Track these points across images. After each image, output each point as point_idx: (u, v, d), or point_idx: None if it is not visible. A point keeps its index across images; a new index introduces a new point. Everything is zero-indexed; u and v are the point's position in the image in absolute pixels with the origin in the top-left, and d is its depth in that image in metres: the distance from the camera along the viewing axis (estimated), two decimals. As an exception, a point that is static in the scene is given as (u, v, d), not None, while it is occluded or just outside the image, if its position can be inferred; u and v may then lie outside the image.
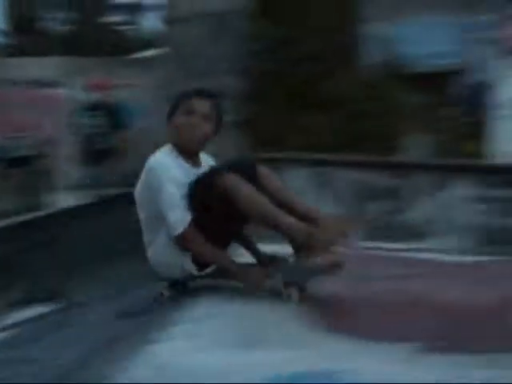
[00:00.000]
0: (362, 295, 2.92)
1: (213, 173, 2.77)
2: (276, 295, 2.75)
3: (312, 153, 7.01)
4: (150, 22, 17.44)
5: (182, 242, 2.75)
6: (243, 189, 2.70)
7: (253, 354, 2.21)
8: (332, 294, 2.92)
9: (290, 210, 2.80)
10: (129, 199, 5.48)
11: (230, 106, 8.13)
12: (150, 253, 2.88)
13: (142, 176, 2.84)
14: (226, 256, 2.82)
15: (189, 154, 2.90)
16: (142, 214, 2.90)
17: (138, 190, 2.88)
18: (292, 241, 2.76)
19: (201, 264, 2.83)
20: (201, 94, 2.91)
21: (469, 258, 3.92)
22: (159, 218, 2.78)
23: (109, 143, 8.33)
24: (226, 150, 7.78)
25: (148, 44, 14.99)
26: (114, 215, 5.68)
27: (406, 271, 3.34)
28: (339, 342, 2.36)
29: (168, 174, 2.75)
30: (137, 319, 2.67)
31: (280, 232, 2.74)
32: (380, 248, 4.17)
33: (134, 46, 15.37)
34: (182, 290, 2.94)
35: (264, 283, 2.76)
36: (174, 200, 2.74)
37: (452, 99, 8.34)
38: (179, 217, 2.72)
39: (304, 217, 2.80)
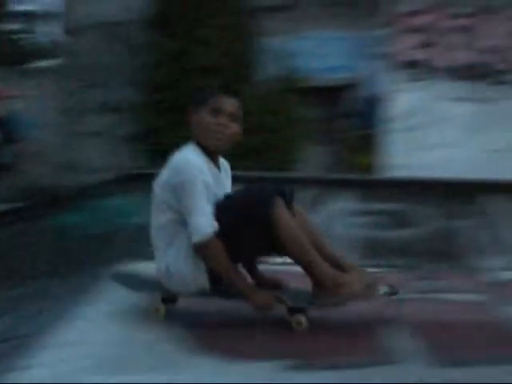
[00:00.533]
0: (232, 313, 2.93)
1: (262, 195, 2.68)
2: (284, 320, 2.74)
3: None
4: (48, 32, 17.02)
5: (204, 247, 2.63)
6: (289, 224, 2.66)
7: (122, 377, 2.18)
8: (203, 313, 2.92)
9: (319, 251, 2.76)
10: (20, 215, 5.30)
11: (126, 118, 8.05)
12: (163, 261, 2.75)
13: (167, 175, 2.71)
14: (241, 275, 2.75)
15: (213, 154, 2.81)
16: (159, 217, 2.76)
17: (160, 191, 2.74)
18: (316, 281, 2.73)
19: (214, 278, 2.73)
20: (227, 91, 2.82)
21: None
22: (180, 223, 2.68)
23: (1, 157, 8.07)
24: (123, 163, 7.70)
25: (45, 54, 14.63)
26: (2, 232, 5.46)
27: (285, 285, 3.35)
28: (209, 362, 2.36)
29: (200, 174, 2.65)
30: (6, 344, 2.58)
31: (309, 273, 2.73)
32: (262, 262, 4.20)
33: (31, 56, 14.95)
34: (173, 305, 2.88)
35: (273, 307, 2.72)
36: (203, 203, 2.63)
37: (346, 112, 8.53)
38: (207, 222, 2.62)
39: (332, 262, 2.78)
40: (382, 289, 2.77)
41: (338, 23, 8.36)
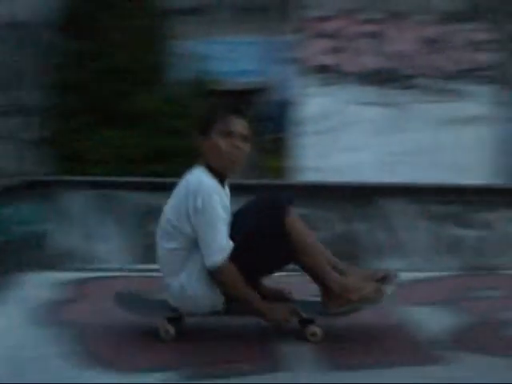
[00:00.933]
0: (124, 323, 2.89)
1: (278, 208, 2.68)
2: (297, 332, 2.74)
3: (121, 168, 6.91)
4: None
5: (219, 272, 2.60)
6: (302, 232, 2.68)
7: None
8: (93, 324, 2.87)
9: None
10: None
11: (33, 121, 7.84)
12: (176, 282, 2.68)
13: (181, 198, 2.65)
14: (254, 293, 2.71)
15: (223, 176, 2.76)
16: (169, 243, 2.69)
17: (172, 215, 2.68)
18: (325, 289, 2.75)
19: (229, 298, 2.70)
20: (237, 112, 2.77)
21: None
22: (192, 247, 2.63)
23: None
24: (28, 169, 7.49)
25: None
26: None
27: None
28: (97, 375, 2.32)
29: (217, 197, 2.62)
30: None
31: (319, 281, 2.75)
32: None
33: None
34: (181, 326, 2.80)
35: (289, 320, 2.72)
36: (219, 226, 2.60)
37: (257, 116, 8.57)
38: (221, 246, 2.59)
39: (334, 268, 2.80)
40: (389, 289, 2.80)
41: (250, 28, 8.39)
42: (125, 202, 4.45)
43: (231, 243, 2.63)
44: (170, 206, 2.73)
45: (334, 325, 2.93)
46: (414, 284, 3.89)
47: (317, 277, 2.75)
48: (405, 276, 4.01)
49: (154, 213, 4.59)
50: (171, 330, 2.73)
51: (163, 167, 7.04)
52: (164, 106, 7.61)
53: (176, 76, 8.07)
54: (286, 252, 2.69)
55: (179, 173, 7.09)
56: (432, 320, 3.08)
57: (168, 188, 4.60)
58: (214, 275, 2.62)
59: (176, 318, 2.79)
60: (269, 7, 8.42)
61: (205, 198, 2.59)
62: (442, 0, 8.43)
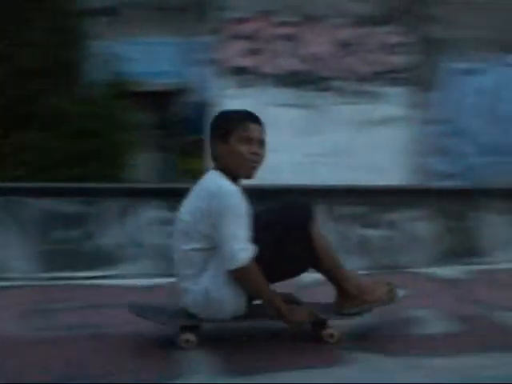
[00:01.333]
0: (28, 331, 2.83)
1: (306, 212, 2.74)
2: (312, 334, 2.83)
3: (36, 173, 6.75)
4: None
5: (241, 273, 2.59)
6: (323, 237, 2.76)
7: None
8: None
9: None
10: None
11: None
12: (198, 287, 2.66)
13: (203, 201, 2.64)
14: (276, 294, 2.72)
15: (238, 181, 2.78)
16: (190, 245, 2.67)
17: (191, 218, 2.66)
18: (341, 290, 2.84)
19: (250, 302, 2.72)
20: (254, 118, 2.78)
21: (163, 280, 3.99)
22: (215, 248, 2.61)
23: None
24: None
25: None
26: None
27: (91, 300, 3.30)
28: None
29: (241, 200, 2.63)
30: None
31: (337, 283, 2.84)
32: (69, 278, 4.10)
33: None
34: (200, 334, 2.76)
35: (308, 321, 2.77)
36: (242, 228, 2.59)
37: (175, 118, 8.53)
38: (243, 247, 2.59)
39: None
40: (401, 292, 2.96)
41: (167, 29, 8.33)
42: (29, 209, 4.35)
43: (253, 247, 2.64)
44: (188, 210, 2.72)
45: (237, 328, 2.94)
46: (320, 285, 3.94)
47: (334, 278, 2.85)
48: (309, 277, 4.09)
49: (59, 219, 4.55)
50: (192, 338, 2.70)
51: (80, 170, 6.92)
52: (80, 108, 7.47)
53: (93, 77, 7.94)
54: (310, 255, 2.75)
55: (97, 176, 6.96)
56: (335, 320, 3.12)
57: (74, 193, 4.57)
58: (236, 277, 2.61)
59: (194, 325, 2.75)
60: (186, 8, 8.38)
61: (226, 201, 2.61)
62: (357, 3, 8.56)
